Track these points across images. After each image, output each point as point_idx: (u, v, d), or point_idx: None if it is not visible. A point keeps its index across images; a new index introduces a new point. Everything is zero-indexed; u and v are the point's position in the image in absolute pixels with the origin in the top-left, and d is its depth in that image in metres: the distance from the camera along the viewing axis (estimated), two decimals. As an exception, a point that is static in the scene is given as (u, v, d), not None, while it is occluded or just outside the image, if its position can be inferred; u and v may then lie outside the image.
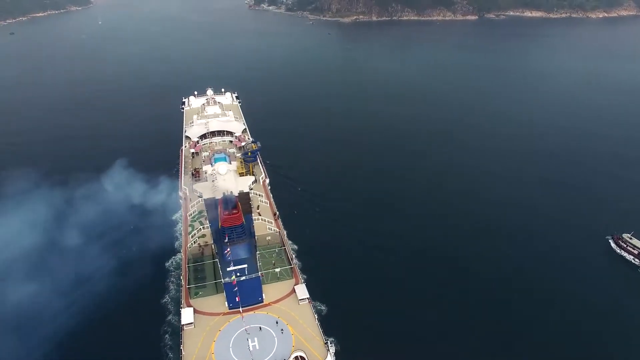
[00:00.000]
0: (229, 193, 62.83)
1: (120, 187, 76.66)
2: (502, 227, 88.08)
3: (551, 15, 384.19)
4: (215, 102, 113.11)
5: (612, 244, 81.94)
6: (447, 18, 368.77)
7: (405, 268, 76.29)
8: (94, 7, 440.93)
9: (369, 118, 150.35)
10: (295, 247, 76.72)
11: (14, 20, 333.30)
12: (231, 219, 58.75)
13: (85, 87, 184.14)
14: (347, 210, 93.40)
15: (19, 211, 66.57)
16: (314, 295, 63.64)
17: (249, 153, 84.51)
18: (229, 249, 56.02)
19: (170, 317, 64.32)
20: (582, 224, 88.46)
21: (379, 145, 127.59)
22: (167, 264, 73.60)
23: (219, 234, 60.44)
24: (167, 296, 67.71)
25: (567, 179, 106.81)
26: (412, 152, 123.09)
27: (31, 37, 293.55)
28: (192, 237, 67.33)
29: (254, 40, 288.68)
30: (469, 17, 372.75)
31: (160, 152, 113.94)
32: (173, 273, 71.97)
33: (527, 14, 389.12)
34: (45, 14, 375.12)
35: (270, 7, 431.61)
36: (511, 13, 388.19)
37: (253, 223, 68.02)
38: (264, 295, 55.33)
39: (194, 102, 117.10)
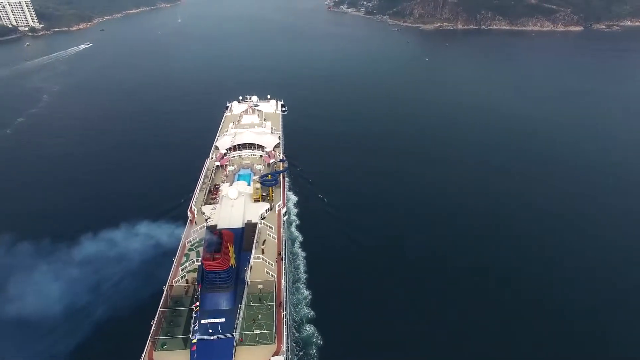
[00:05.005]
0: (216, 232, 52.89)
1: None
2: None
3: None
4: (254, 111, 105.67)
5: None
6: (544, 29, 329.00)
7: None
8: (181, 5, 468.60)
9: (442, 148, 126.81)
10: (307, 292, 65.15)
11: (110, 17, 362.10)
12: (214, 264, 49.18)
13: (151, 85, 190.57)
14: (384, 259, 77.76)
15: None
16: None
17: (269, 176, 74.82)
18: (197, 303, 46.42)
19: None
20: None
21: (459, 184, 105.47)
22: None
23: (202, 275, 51.27)
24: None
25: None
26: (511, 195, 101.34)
27: (117, 34, 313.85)
28: (182, 269, 58.91)
29: (322, 45, 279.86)
30: (572, 28, 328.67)
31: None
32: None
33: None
34: (138, 10, 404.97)
35: (350, 10, 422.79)
36: (628, 23, 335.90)
37: (250, 264, 58.04)
38: None
39: (236, 108, 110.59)
